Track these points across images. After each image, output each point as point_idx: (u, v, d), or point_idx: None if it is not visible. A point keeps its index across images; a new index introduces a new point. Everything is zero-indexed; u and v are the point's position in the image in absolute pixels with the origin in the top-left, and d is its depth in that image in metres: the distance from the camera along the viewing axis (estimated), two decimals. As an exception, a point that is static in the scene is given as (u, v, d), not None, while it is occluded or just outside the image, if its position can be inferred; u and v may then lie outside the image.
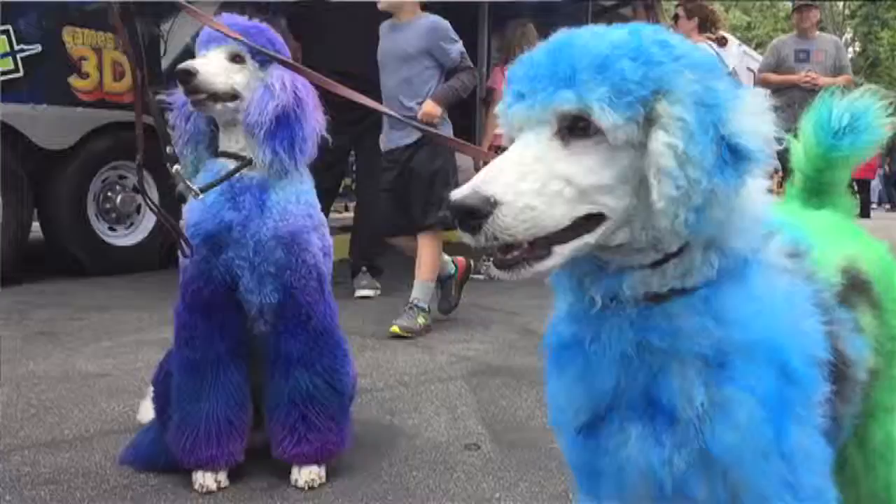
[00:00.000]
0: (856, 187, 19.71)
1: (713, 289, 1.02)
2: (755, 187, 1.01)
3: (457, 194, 0.94)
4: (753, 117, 0.97)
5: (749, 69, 16.55)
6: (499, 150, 2.18)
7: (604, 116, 0.94)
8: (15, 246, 5.31)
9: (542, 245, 0.97)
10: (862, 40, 32.31)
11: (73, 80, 5.60)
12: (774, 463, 1.02)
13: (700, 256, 1.01)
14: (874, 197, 21.63)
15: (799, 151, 1.46)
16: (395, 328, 4.01)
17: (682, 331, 1.02)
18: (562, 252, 0.98)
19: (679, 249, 1.00)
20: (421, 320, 4.13)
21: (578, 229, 0.97)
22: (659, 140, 0.93)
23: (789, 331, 1.03)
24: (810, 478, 1.05)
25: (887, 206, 22.49)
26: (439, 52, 4.28)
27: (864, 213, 18.75)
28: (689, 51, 1.01)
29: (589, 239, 0.99)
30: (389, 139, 4.43)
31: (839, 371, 1.09)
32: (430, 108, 4.18)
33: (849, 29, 31.20)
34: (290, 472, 2.17)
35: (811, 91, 7.79)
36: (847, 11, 32.00)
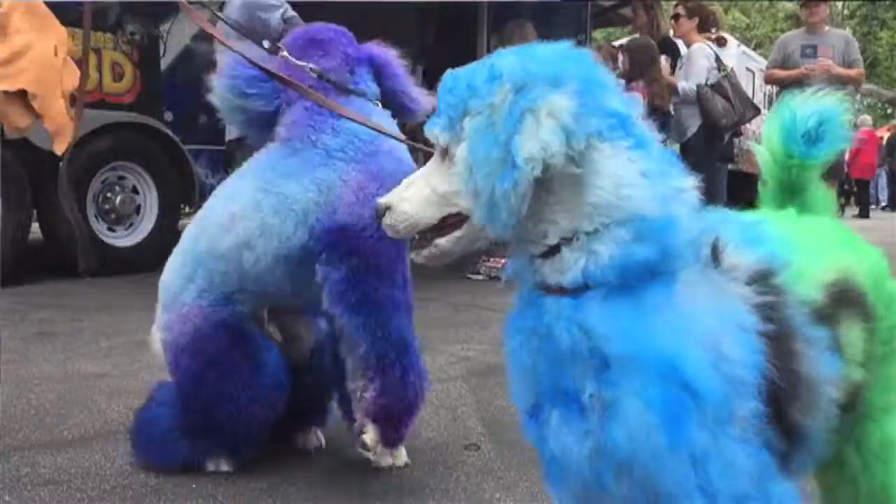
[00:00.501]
0: (855, 187, 19.75)
1: (601, 297, 1.10)
2: (640, 195, 1.09)
3: (379, 199, 1.28)
4: (535, 127, 1.08)
5: (748, 69, 16.57)
6: None
7: (440, 139, 1.19)
8: (14, 246, 5.31)
9: (426, 238, 1.25)
10: (861, 40, 32.26)
11: (73, 81, 5.60)
12: (677, 466, 1.07)
13: (569, 254, 1.12)
14: (882, 196, 21.52)
15: (767, 158, 1.45)
16: None
17: (552, 329, 1.13)
18: (439, 243, 1.25)
19: (557, 245, 1.13)
20: None
21: (452, 227, 1.22)
22: (458, 151, 1.16)
23: (687, 346, 1.07)
24: (731, 484, 1.08)
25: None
26: (260, 25, 3.85)
27: (864, 213, 18.76)
28: (514, 69, 1.14)
29: (458, 234, 1.23)
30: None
31: (786, 390, 1.12)
32: None
33: (848, 29, 31.20)
34: (289, 472, 2.17)
35: (819, 87, 7.78)
36: (846, 11, 32.01)
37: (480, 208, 1.12)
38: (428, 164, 1.25)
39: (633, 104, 1.19)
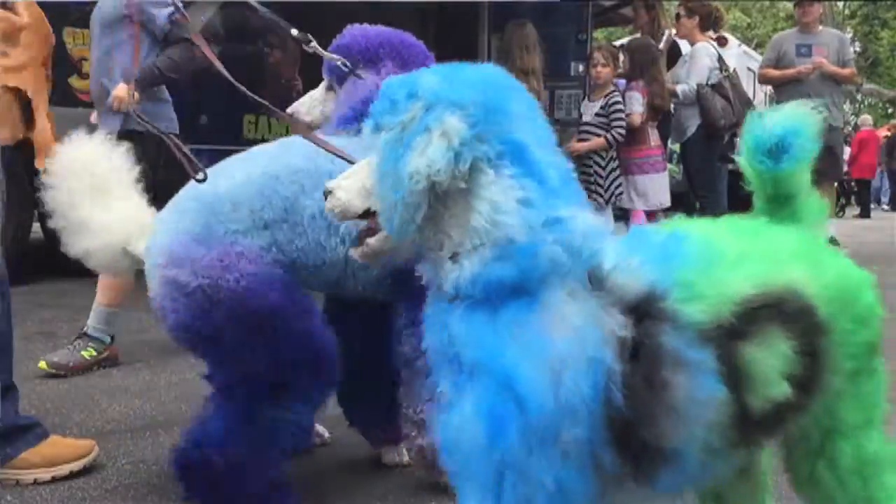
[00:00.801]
0: (856, 187, 19.73)
1: (465, 307, 1.22)
2: (511, 222, 1.19)
3: (327, 182, 1.38)
4: (426, 145, 1.20)
5: (749, 69, 16.54)
6: None
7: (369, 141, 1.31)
8: (15, 246, 5.31)
9: (361, 239, 1.37)
10: (862, 40, 32.30)
11: (74, 81, 5.60)
12: (488, 468, 1.17)
13: (450, 266, 1.24)
14: (885, 197, 21.48)
15: (749, 173, 1.47)
16: (43, 364, 3.30)
17: (431, 330, 1.29)
18: (369, 242, 1.36)
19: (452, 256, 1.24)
20: (87, 354, 3.38)
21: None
22: (374, 159, 1.29)
23: (528, 364, 1.15)
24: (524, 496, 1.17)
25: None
26: (147, 18, 3.50)
27: (865, 213, 18.74)
28: (430, 89, 1.25)
29: (384, 234, 1.31)
30: (103, 121, 3.57)
31: (636, 418, 1.17)
32: (121, 91, 3.41)
33: (849, 29, 31.19)
34: (290, 472, 2.17)
35: (814, 86, 7.80)
36: (847, 11, 31.99)
37: (382, 214, 1.26)
38: (368, 158, 1.34)
39: (543, 136, 1.31)
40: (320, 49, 2.23)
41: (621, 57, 6.68)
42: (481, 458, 1.17)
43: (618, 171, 6.14)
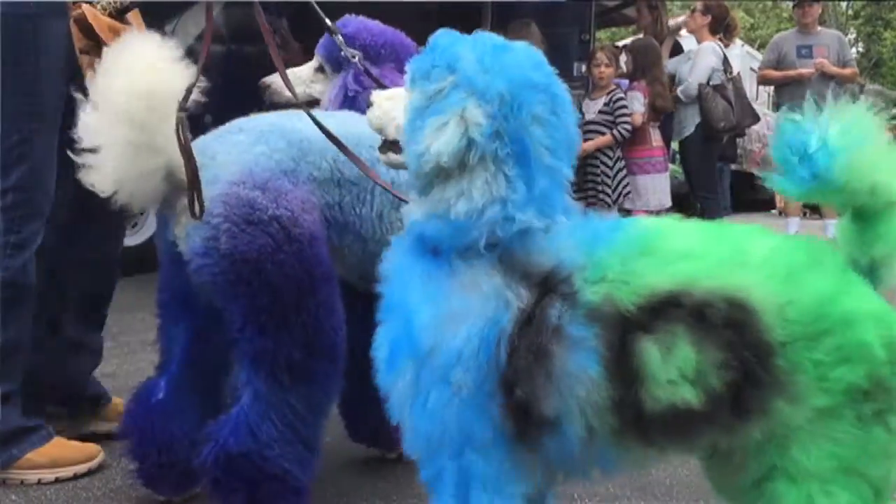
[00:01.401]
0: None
1: (401, 248, 1.43)
2: (473, 207, 1.29)
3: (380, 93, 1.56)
4: (439, 126, 1.29)
5: (752, 69, 16.53)
6: None
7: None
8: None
9: (386, 147, 1.52)
10: (865, 41, 32.27)
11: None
12: (389, 388, 1.36)
13: (412, 206, 1.42)
14: None
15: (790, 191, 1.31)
16: None
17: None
18: (389, 156, 1.52)
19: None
20: None
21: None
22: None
23: (425, 309, 1.31)
24: (423, 425, 1.32)
25: None
26: None
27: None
28: (465, 69, 1.33)
29: (400, 158, 1.46)
30: None
31: (517, 376, 1.27)
32: None
33: (852, 29, 31.17)
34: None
35: (815, 86, 7.78)
36: (850, 12, 31.96)
37: (406, 158, 1.38)
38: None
39: (559, 138, 1.35)
40: (342, 43, 2.20)
41: (623, 58, 6.69)
42: (384, 380, 1.37)
43: (624, 171, 6.17)
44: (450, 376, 1.28)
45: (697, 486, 2.17)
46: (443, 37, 1.41)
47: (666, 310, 1.22)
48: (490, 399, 1.29)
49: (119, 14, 2.39)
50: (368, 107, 1.51)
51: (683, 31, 7.77)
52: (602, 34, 16.77)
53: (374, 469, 2.27)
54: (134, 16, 2.35)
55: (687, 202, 9.23)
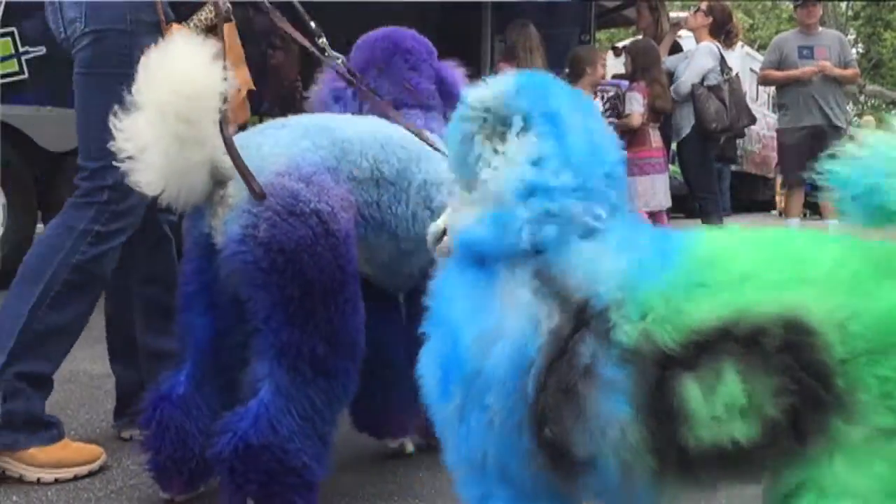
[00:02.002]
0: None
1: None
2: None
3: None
4: (493, 167, 1.35)
5: (752, 70, 16.54)
6: None
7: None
8: (19, 248, 5.32)
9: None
10: (865, 42, 32.28)
11: (77, 82, 5.61)
12: (438, 407, 1.35)
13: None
14: None
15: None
16: None
17: None
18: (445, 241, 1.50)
19: None
20: None
21: None
22: None
23: (471, 328, 1.27)
24: (464, 447, 1.31)
25: None
26: None
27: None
28: (532, 108, 1.36)
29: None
30: None
31: (548, 412, 1.22)
32: None
33: (852, 30, 31.18)
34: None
35: (816, 87, 7.79)
36: (850, 12, 31.97)
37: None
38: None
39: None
40: (326, 54, 2.28)
41: (621, 59, 6.75)
42: (434, 402, 1.35)
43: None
44: (485, 401, 1.26)
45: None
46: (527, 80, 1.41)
47: (714, 345, 1.13)
48: (521, 431, 1.25)
49: (209, 31, 2.50)
50: None
51: (682, 32, 7.77)
52: (601, 35, 16.76)
53: (376, 469, 2.27)
54: (229, 29, 2.46)
55: (687, 203, 9.24)
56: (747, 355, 1.12)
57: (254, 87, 2.57)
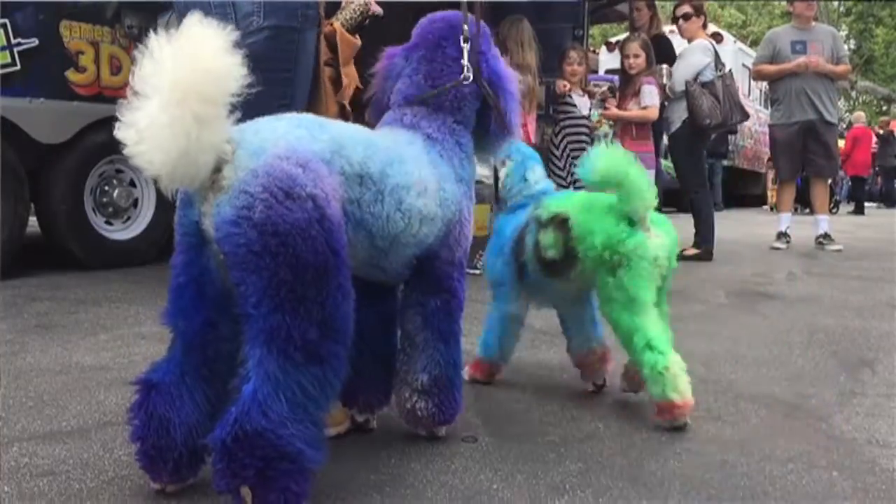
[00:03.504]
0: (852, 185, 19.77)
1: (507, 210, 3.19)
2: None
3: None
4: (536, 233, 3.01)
5: (744, 66, 16.58)
6: None
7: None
8: (12, 239, 5.31)
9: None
10: (857, 38, 32.36)
11: (71, 74, 5.60)
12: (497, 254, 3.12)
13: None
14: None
15: None
16: None
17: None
18: None
19: None
20: None
21: None
22: None
23: (510, 230, 3.03)
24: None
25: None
26: None
27: (859, 209, 18.78)
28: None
29: None
30: None
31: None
32: None
33: (844, 26, 31.24)
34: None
35: (808, 82, 7.81)
36: (842, 9, 32.03)
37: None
38: None
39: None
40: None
41: (615, 53, 6.83)
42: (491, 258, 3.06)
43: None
44: (505, 250, 2.96)
45: (688, 476, 2.19)
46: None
47: (548, 222, 2.76)
48: (510, 260, 2.94)
49: (353, 31, 2.76)
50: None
51: (671, 27, 7.84)
52: (595, 30, 16.74)
53: (369, 460, 2.28)
54: (339, 28, 2.76)
55: (679, 198, 9.25)
56: (554, 226, 2.73)
57: (360, 86, 2.77)
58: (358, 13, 2.81)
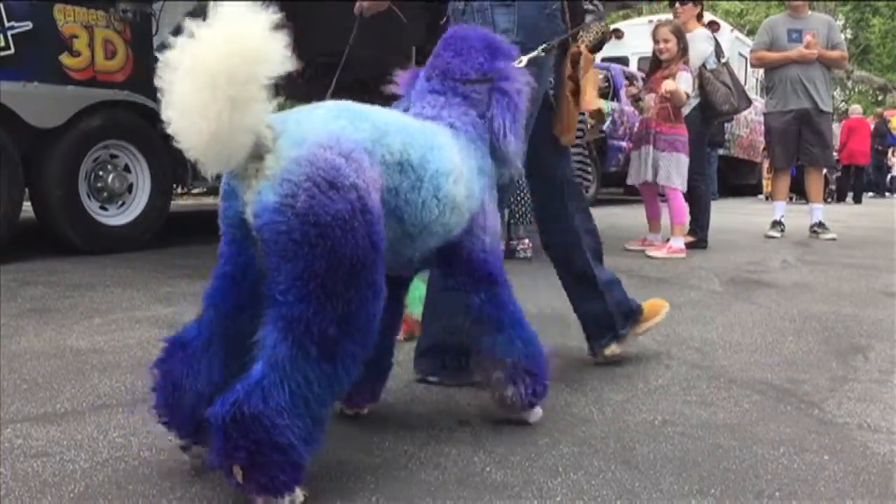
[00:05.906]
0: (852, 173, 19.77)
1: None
2: None
3: None
4: None
5: (741, 55, 16.54)
6: None
7: None
8: (6, 224, 5.31)
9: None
10: (853, 27, 32.33)
11: (65, 58, 5.59)
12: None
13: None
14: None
15: None
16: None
17: None
18: None
19: None
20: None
21: None
22: None
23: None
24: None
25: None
26: None
27: (856, 199, 18.82)
28: None
29: None
30: None
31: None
32: None
33: (840, 15, 31.20)
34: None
35: (804, 70, 7.81)
36: (839, -2, 31.96)
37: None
38: None
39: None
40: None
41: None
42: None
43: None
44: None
45: (680, 459, 2.20)
46: None
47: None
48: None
49: (592, 50, 3.06)
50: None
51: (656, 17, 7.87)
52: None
53: (363, 442, 2.28)
54: (586, 53, 3.09)
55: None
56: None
57: (602, 108, 3.06)
58: (599, 34, 3.21)
